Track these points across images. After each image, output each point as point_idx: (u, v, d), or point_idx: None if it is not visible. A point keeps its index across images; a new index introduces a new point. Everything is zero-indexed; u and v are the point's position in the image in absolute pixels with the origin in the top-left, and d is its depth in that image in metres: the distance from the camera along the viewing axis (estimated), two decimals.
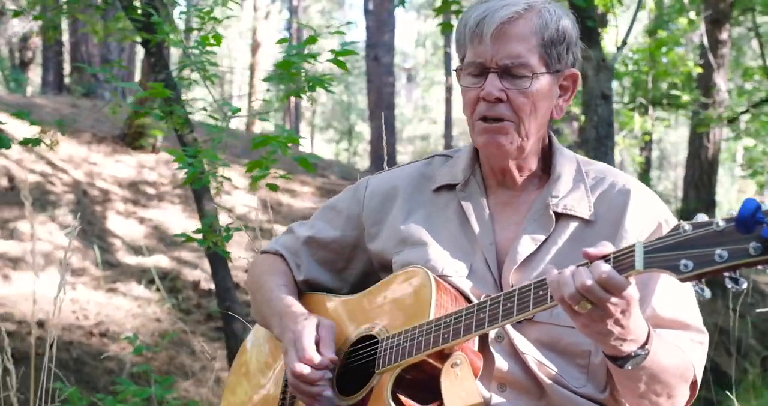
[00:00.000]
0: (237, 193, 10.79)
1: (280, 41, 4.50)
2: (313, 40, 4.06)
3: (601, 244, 1.73)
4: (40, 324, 6.87)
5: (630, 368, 1.79)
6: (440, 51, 31.52)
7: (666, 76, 12.43)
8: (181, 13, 6.41)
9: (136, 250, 9.38)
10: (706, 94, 12.53)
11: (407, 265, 2.10)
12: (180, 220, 10.25)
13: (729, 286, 1.54)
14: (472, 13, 2.01)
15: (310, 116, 32.44)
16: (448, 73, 25.26)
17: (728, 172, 31.28)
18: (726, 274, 1.54)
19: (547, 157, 2.15)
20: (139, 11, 4.88)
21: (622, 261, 1.66)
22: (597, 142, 6.22)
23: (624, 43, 6.80)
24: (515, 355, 2.00)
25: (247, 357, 2.43)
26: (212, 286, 6.56)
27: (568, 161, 2.14)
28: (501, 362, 1.98)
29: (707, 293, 1.57)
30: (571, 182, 2.10)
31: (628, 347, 1.76)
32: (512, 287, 1.97)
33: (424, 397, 1.97)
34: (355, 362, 2.11)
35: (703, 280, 1.58)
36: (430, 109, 37.91)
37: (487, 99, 2.00)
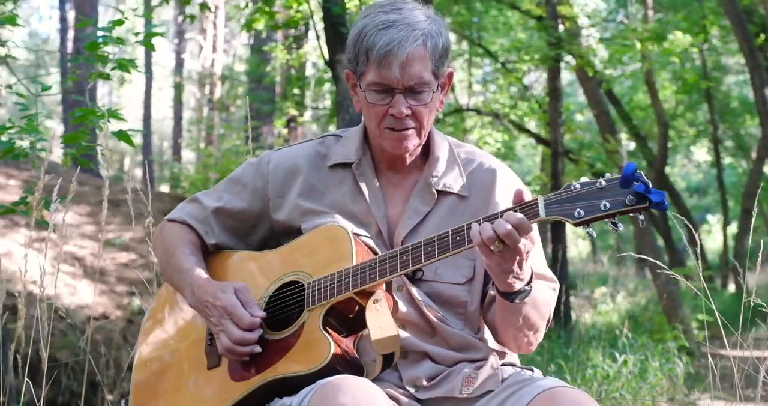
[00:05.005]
0: None
1: (81, 24, 4.51)
2: (120, 22, 4.20)
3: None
4: None
5: (518, 301, 2.27)
6: None
7: None
8: None
9: None
10: None
11: (319, 225, 2.42)
12: None
13: (611, 227, 2.09)
14: (375, 38, 2.27)
15: None
16: None
17: None
18: (608, 220, 2.09)
19: (426, 140, 2.52)
20: None
21: (528, 211, 2.12)
22: None
23: None
24: (412, 301, 2.40)
25: (163, 310, 2.67)
26: None
27: (442, 143, 2.55)
28: (402, 307, 2.38)
29: (593, 233, 2.10)
30: (446, 163, 2.51)
31: (518, 285, 2.24)
32: None
33: (347, 329, 2.33)
34: (279, 305, 2.40)
35: (591, 224, 2.11)
36: None
37: (397, 116, 2.33)
